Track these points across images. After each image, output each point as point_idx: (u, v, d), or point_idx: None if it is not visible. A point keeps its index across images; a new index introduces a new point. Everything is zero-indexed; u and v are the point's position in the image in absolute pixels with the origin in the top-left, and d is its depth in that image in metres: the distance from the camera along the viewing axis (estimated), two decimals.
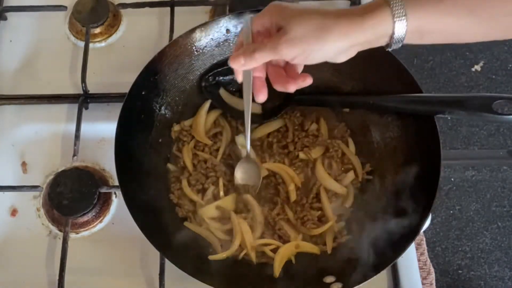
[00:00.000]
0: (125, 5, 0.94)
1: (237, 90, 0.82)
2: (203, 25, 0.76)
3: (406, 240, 0.66)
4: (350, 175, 0.78)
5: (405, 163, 0.73)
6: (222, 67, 0.80)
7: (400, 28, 0.55)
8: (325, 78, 0.79)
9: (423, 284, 0.79)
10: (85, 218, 0.79)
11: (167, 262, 0.73)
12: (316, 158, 0.78)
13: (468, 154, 1.84)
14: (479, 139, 1.86)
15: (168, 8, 0.92)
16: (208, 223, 0.74)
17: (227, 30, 0.78)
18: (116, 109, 0.72)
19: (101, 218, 0.80)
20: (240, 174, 0.76)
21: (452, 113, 0.68)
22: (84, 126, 0.84)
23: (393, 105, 0.74)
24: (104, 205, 0.80)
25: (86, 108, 0.86)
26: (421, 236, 0.92)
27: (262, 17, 0.61)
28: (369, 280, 0.64)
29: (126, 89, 0.73)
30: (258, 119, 0.80)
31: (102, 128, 0.85)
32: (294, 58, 0.59)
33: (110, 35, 0.94)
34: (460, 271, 1.68)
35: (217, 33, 0.77)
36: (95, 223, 0.80)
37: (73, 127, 0.83)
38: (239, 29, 0.77)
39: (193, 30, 0.76)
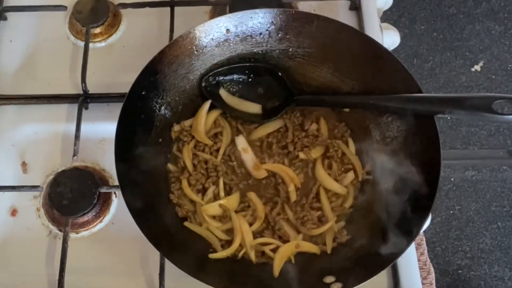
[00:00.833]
0: (125, 5, 0.94)
1: (237, 90, 0.82)
2: (203, 25, 0.76)
3: (406, 240, 0.66)
4: (350, 175, 0.78)
5: (405, 163, 0.73)
6: (222, 67, 0.80)
7: None
8: (325, 78, 0.79)
9: (423, 284, 0.79)
10: (85, 218, 0.79)
11: (167, 262, 0.73)
12: (316, 158, 0.78)
13: (468, 154, 1.84)
14: (479, 139, 1.86)
15: (168, 8, 0.92)
16: (208, 222, 0.74)
17: (227, 30, 0.77)
18: (116, 109, 0.72)
19: (101, 218, 0.80)
20: None
21: (452, 113, 0.68)
22: (84, 126, 0.83)
23: (393, 105, 0.73)
24: (104, 205, 0.80)
25: (86, 108, 0.86)
26: (421, 236, 0.92)
27: None
28: (369, 280, 0.64)
29: (126, 89, 0.72)
30: (258, 119, 0.80)
31: (102, 128, 0.85)
32: None
33: (110, 35, 0.94)
34: (460, 271, 1.68)
35: (217, 33, 0.77)
36: (95, 223, 0.80)
37: (73, 127, 0.83)
38: (239, 29, 0.77)
39: (193, 30, 0.76)
